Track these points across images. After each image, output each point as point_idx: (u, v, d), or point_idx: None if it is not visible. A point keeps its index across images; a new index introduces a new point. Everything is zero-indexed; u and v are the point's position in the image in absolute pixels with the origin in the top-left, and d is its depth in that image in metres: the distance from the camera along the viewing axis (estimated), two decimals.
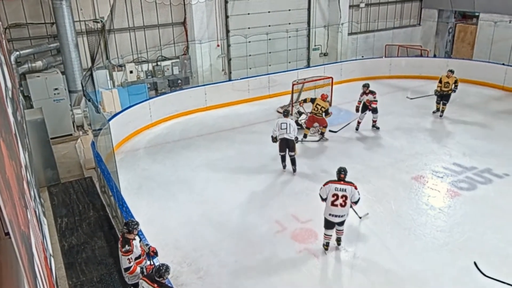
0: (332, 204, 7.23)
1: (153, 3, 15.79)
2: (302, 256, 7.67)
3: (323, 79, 15.58)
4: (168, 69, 16.47)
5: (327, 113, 12.04)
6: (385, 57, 19.99)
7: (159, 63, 16.40)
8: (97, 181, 10.49)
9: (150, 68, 16.33)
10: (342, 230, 7.67)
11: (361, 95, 12.72)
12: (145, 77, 16.13)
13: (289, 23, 18.46)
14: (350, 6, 19.60)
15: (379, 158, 11.31)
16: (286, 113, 10.60)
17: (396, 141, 12.24)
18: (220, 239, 8.17)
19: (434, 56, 21.30)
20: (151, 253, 6.27)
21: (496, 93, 15.64)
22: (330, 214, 7.35)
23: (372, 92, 12.49)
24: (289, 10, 18.30)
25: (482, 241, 7.92)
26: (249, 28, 17.52)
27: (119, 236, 6.46)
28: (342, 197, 7.17)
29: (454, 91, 13.33)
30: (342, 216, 7.33)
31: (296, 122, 13.14)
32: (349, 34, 20.03)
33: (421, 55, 20.05)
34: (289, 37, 18.65)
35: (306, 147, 12.13)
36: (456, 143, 11.93)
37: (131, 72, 15.60)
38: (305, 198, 9.52)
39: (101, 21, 14.93)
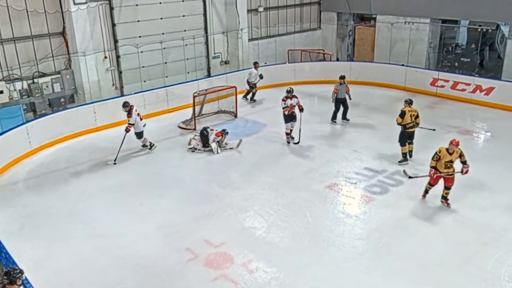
0: None
1: (23, 11, 14.82)
2: (218, 284, 7.61)
3: (226, 89, 15.81)
4: (47, 86, 15.53)
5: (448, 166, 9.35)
6: (289, 62, 20.86)
7: (36, 80, 15.41)
8: None
9: (25, 86, 15.27)
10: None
11: (285, 100, 12.81)
12: (19, 97, 15.03)
13: (185, 30, 18.47)
14: (248, 11, 20.16)
15: (290, 169, 11.69)
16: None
17: (306, 149, 12.75)
18: (123, 277, 7.83)
19: (337, 59, 22.70)
20: None
21: (398, 94, 17.02)
22: None
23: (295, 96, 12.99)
24: (184, 16, 18.33)
25: (399, 245, 8.51)
26: (140, 36, 17.22)
27: None
28: None
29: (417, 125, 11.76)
30: None
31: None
32: (250, 40, 20.57)
33: (324, 59, 21.23)
34: (186, 45, 18.66)
35: (207, 161, 12.15)
36: (366, 147, 12.76)
37: (1, 92, 14.49)
38: (217, 219, 9.52)
39: None
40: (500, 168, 11.37)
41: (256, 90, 17.06)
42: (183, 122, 14.92)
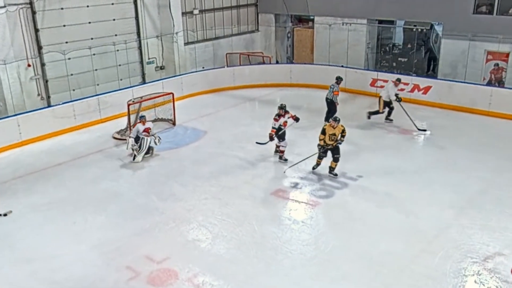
0: None
1: None
2: None
3: (162, 95, 15.65)
4: None
5: None
6: (227, 66, 20.96)
7: None
8: None
9: None
10: None
11: (277, 118, 12.17)
12: None
13: (116, 35, 18.13)
14: (183, 14, 20.08)
15: (234, 177, 11.74)
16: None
17: (249, 156, 12.85)
18: None
19: (277, 62, 23.07)
20: None
21: (340, 95, 17.47)
22: None
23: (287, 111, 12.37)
24: (114, 19, 17.98)
25: (347, 248, 8.75)
26: (67, 42, 16.72)
27: None
28: None
29: (340, 143, 11.60)
30: None
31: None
32: (186, 44, 20.49)
33: (263, 62, 21.51)
34: (118, 50, 18.30)
35: (145, 173, 11.97)
36: (310, 151, 13.00)
37: None
38: (158, 233, 9.38)
39: None
40: (441, 165, 11.98)
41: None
42: (118, 132, 14.62)
